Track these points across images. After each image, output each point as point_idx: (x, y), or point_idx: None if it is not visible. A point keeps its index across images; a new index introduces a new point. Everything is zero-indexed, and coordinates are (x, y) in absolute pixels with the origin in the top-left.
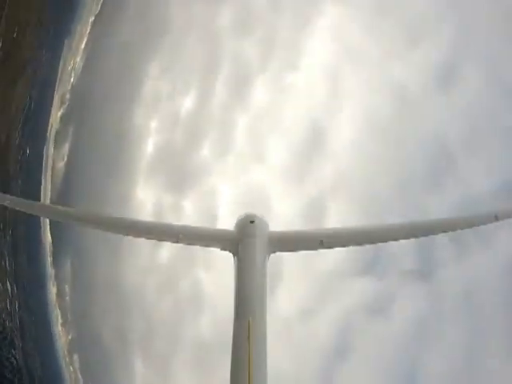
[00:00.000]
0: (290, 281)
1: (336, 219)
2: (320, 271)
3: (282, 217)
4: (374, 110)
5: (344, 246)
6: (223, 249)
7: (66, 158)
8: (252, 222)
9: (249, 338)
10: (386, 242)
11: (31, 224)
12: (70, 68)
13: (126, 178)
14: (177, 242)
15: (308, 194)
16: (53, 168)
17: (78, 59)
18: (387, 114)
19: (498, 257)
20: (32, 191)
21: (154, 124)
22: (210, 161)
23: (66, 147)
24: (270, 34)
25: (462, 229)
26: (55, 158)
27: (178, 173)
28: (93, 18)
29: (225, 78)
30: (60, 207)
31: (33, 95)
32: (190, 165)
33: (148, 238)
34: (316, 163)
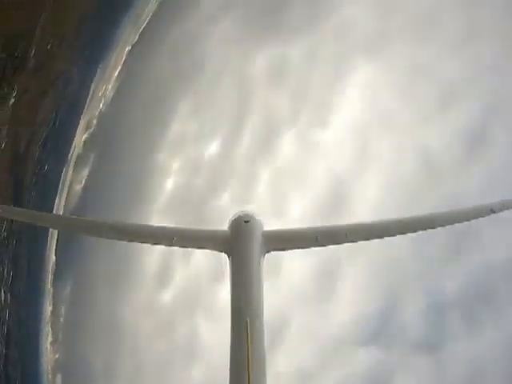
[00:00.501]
0: (291, 342)
1: (349, 283)
2: (323, 336)
3: (293, 276)
4: (400, 173)
5: (339, 243)
6: (217, 250)
7: (83, 182)
8: (246, 221)
9: (247, 339)
10: (381, 237)
11: (37, 239)
12: (100, 94)
13: (141, 213)
14: (170, 245)
15: (322, 255)
16: (69, 189)
17: (110, 87)
18: (413, 177)
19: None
20: (44, 207)
21: (176, 164)
22: (227, 209)
23: (86, 172)
24: (302, 88)
25: (458, 222)
26: (73, 180)
27: (194, 216)
28: (129, 48)
29: (252, 127)
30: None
31: (59, 113)
32: (207, 210)
33: (140, 242)
34: (335, 222)
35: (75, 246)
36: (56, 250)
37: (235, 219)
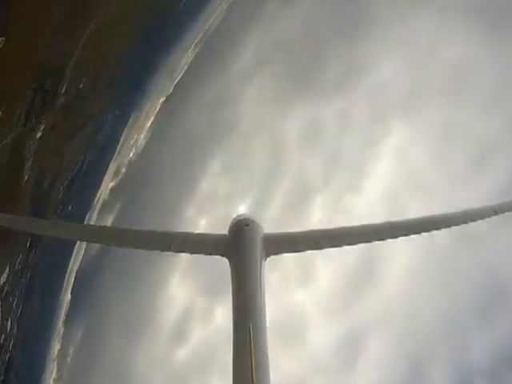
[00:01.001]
0: None
1: (372, 355)
2: None
3: (316, 347)
4: (430, 239)
5: (340, 245)
6: (217, 254)
7: None
8: (246, 225)
9: (250, 344)
10: (384, 239)
11: (54, 276)
12: (131, 142)
13: (162, 269)
14: (169, 250)
15: (347, 325)
16: None
17: (142, 136)
18: (442, 244)
19: None
20: (64, 249)
21: (204, 221)
22: None
23: (110, 219)
24: (335, 151)
25: (463, 223)
26: None
27: (217, 277)
28: (163, 99)
29: (283, 189)
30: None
31: (88, 156)
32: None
33: (138, 248)
34: (362, 292)
35: (93, 288)
36: (72, 289)
37: (235, 223)
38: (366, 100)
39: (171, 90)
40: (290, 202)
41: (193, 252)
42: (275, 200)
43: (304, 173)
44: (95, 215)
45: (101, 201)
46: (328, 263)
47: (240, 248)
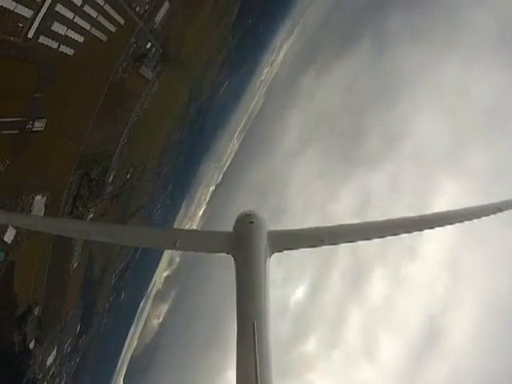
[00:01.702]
0: None
1: None
2: None
3: None
4: (495, 300)
5: (344, 242)
6: (222, 252)
7: (161, 318)
8: (251, 222)
9: (254, 341)
10: (390, 236)
11: (105, 362)
12: None
13: (218, 357)
14: (174, 248)
15: None
16: (146, 323)
17: (195, 226)
18: (509, 303)
19: None
20: (117, 334)
21: None
22: (313, 355)
23: (164, 308)
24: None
25: (468, 220)
26: (150, 315)
27: (278, 362)
28: (213, 188)
29: (341, 268)
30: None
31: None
32: (291, 356)
33: (143, 246)
34: (430, 362)
35: (146, 377)
36: (125, 376)
37: (240, 220)
38: (412, 161)
39: (220, 178)
40: (348, 279)
41: (197, 250)
42: (333, 278)
43: (359, 248)
44: (149, 304)
45: (155, 290)
46: (391, 336)
47: (245, 245)
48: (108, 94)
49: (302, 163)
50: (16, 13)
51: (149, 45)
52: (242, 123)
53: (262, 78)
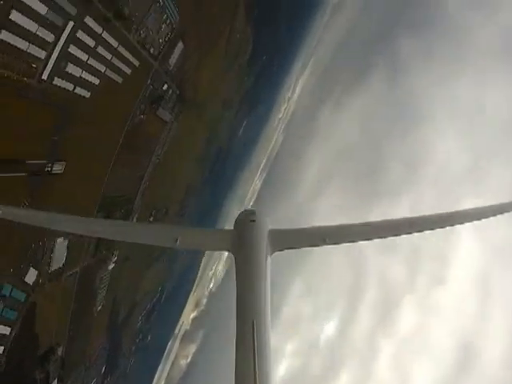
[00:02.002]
0: None
1: None
2: None
3: None
4: None
5: (345, 242)
6: (222, 249)
7: (189, 358)
8: (252, 220)
9: (253, 339)
10: (393, 236)
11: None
12: (210, 273)
13: None
14: (174, 246)
15: None
16: (173, 363)
17: (220, 267)
18: None
19: None
20: (144, 374)
21: (290, 346)
22: None
23: (193, 348)
24: (416, 248)
25: (468, 221)
26: (178, 355)
27: None
28: None
29: (370, 300)
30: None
31: (166, 287)
32: None
33: (144, 242)
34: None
35: None
36: None
37: (241, 218)
38: (434, 184)
39: None
40: (377, 311)
41: (198, 247)
42: (361, 312)
43: (388, 278)
44: (177, 345)
45: (182, 331)
46: (423, 369)
47: (245, 243)
48: (127, 137)
49: (325, 198)
50: (29, 53)
51: (165, 86)
52: (264, 161)
53: (280, 115)
